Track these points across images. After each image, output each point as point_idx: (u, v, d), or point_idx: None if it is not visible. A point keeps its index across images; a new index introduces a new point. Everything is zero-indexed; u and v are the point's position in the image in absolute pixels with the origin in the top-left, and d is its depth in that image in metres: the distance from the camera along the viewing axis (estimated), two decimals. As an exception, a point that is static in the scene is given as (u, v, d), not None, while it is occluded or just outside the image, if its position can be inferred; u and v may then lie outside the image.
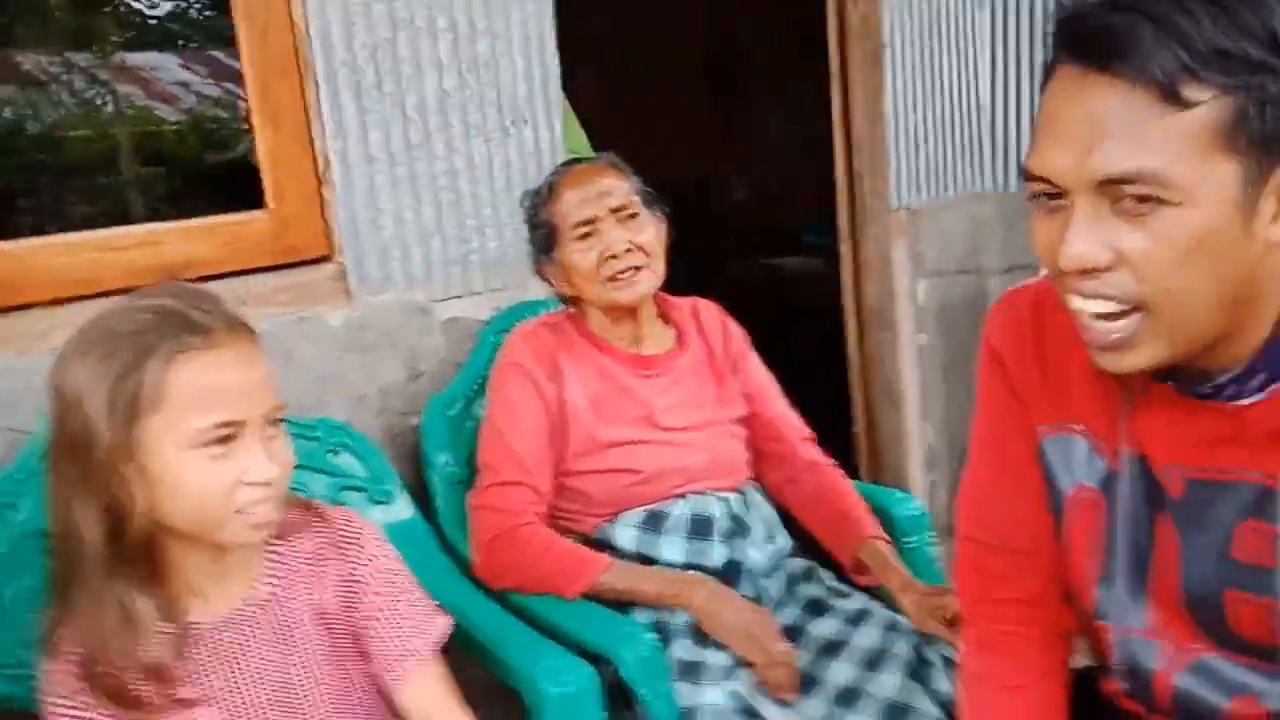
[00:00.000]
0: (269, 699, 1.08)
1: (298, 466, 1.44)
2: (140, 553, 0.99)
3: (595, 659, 1.31)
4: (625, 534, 1.51)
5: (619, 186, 1.55)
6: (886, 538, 1.56)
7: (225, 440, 0.97)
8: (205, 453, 0.96)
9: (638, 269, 1.54)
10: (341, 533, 1.16)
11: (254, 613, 1.08)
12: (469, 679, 1.26)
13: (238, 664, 1.07)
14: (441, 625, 1.18)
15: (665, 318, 1.68)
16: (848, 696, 1.35)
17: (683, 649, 1.39)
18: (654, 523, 1.51)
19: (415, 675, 1.14)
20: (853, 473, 1.83)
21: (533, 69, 1.89)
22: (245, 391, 0.99)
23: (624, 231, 1.53)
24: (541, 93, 1.90)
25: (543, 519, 1.50)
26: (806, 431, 1.72)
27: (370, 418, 1.70)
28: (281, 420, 1.04)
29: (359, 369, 1.70)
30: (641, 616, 1.44)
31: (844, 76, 2.41)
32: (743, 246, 4.67)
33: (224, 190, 1.58)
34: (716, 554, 1.49)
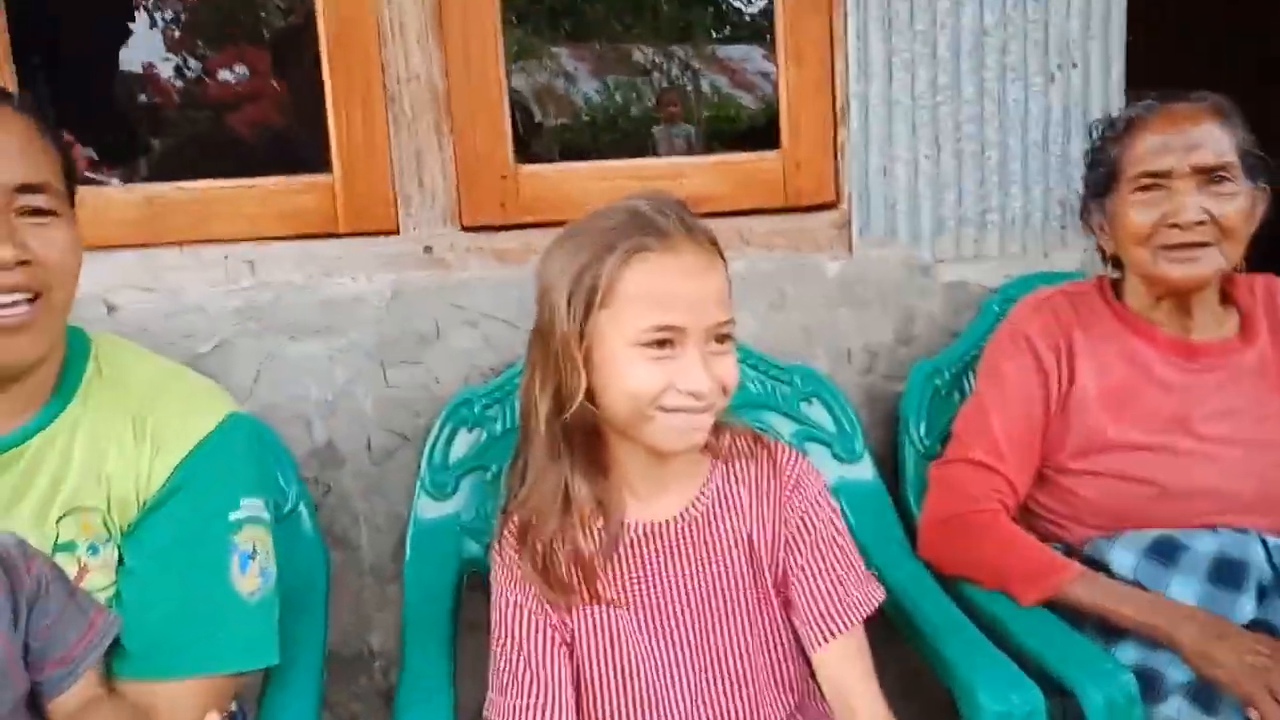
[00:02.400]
0: (686, 615, 1.07)
1: (766, 408, 1.46)
2: (584, 440, 1.04)
3: (1051, 687, 1.10)
4: (1124, 558, 1.25)
5: (1217, 141, 1.24)
6: None
7: (664, 344, 0.97)
8: (645, 352, 0.97)
9: (1203, 245, 1.24)
10: (788, 474, 1.10)
11: (685, 526, 1.08)
12: (896, 661, 1.14)
13: (661, 573, 1.07)
14: (872, 596, 1.08)
15: (1228, 299, 1.35)
16: None
17: (1177, 708, 1.12)
18: (1167, 552, 1.23)
19: (834, 640, 1.05)
20: None
21: (1091, 2, 1.63)
22: (692, 300, 0.97)
23: (1202, 198, 1.24)
24: (1101, 31, 1.64)
25: (1009, 513, 1.30)
26: None
27: (851, 375, 1.63)
28: (730, 337, 1.01)
29: (848, 323, 1.63)
30: (1126, 655, 1.18)
31: None
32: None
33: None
34: (1243, 610, 1.17)
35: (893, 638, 1.22)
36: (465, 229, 1.53)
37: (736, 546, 1.09)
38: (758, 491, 1.10)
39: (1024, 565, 1.24)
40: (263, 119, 3.58)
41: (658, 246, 0.98)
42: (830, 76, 1.61)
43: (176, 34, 4.54)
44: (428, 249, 1.51)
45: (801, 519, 1.09)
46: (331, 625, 1.51)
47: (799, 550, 1.08)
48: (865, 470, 1.46)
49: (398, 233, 1.51)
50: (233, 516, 1.00)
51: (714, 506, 1.09)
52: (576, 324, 0.99)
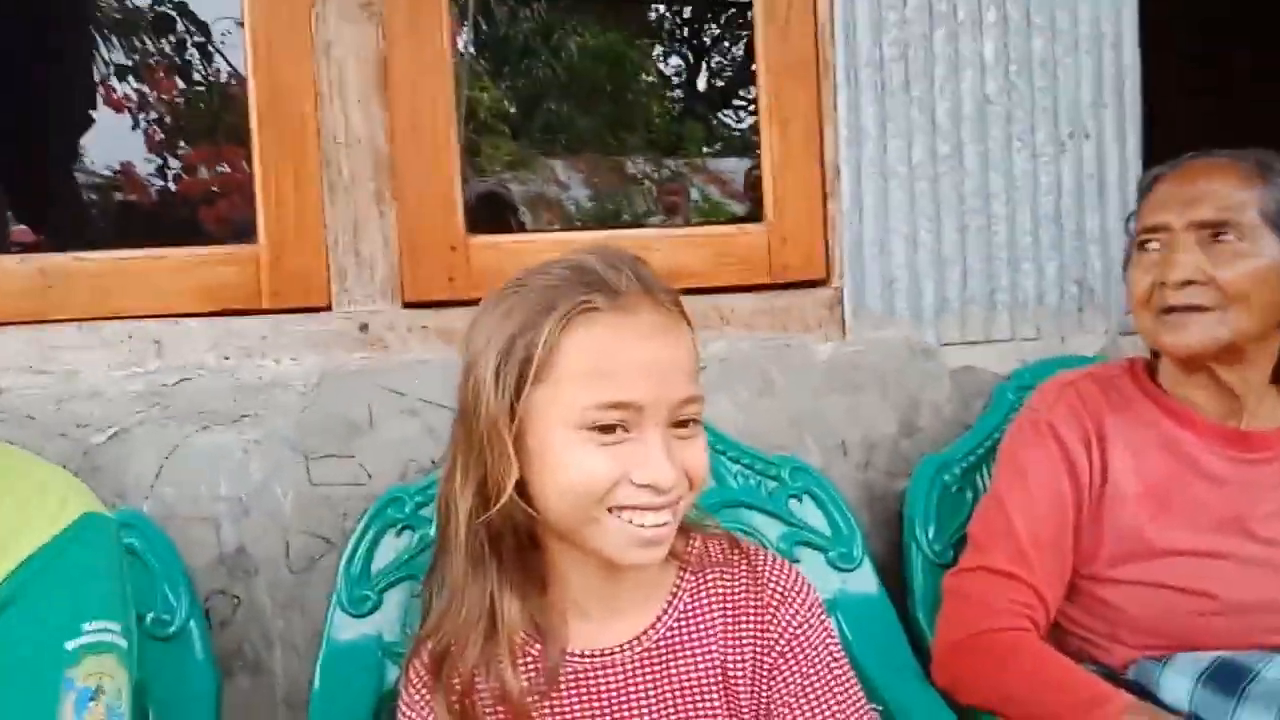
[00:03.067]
0: (642, 771, 0.85)
1: (749, 506, 1.25)
2: (516, 547, 0.83)
3: None
4: (1177, 685, 1.03)
5: (1228, 195, 1.09)
6: None
7: (617, 427, 0.78)
8: (591, 437, 0.78)
9: (1197, 309, 1.08)
10: (772, 586, 0.90)
11: (644, 655, 0.86)
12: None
13: (612, 715, 0.85)
14: (876, 739, 0.86)
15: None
16: None
17: None
18: (1228, 679, 1.01)
19: (829, 797, 0.83)
20: None
21: (1103, 70, 1.50)
22: (650, 371, 0.79)
23: (1199, 256, 1.08)
24: (1114, 98, 1.51)
25: (1039, 630, 1.09)
26: None
27: (847, 470, 1.43)
28: (696, 420, 0.82)
29: (843, 413, 1.44)
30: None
31: None
32: None
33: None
34: None
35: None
36: (407, 305, 1.35)
37: (708, 679, 0.87)
38: (734, 609, 0.89)
39: (1060, 696, 1.02)
40: (234, 212, 3.48)
41: (607, 306, 0.80)
42: (819, 143, 1.46)
43: (158, 135, 4.48)
44: (364, 327, 1.33)
45: (789, 644, 0.88)
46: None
47: (785, 684, 0.87)
48: (866, 580, 1.24)
49: (330, 309, 1.34)
50: (71, 645, 0.78)
51: (680, 629, 0.88)
52: (506, 401, 0.80)
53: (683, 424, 0.81)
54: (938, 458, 1.36)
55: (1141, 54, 1.52)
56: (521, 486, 0.81)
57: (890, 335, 1.46)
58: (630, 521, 0.78)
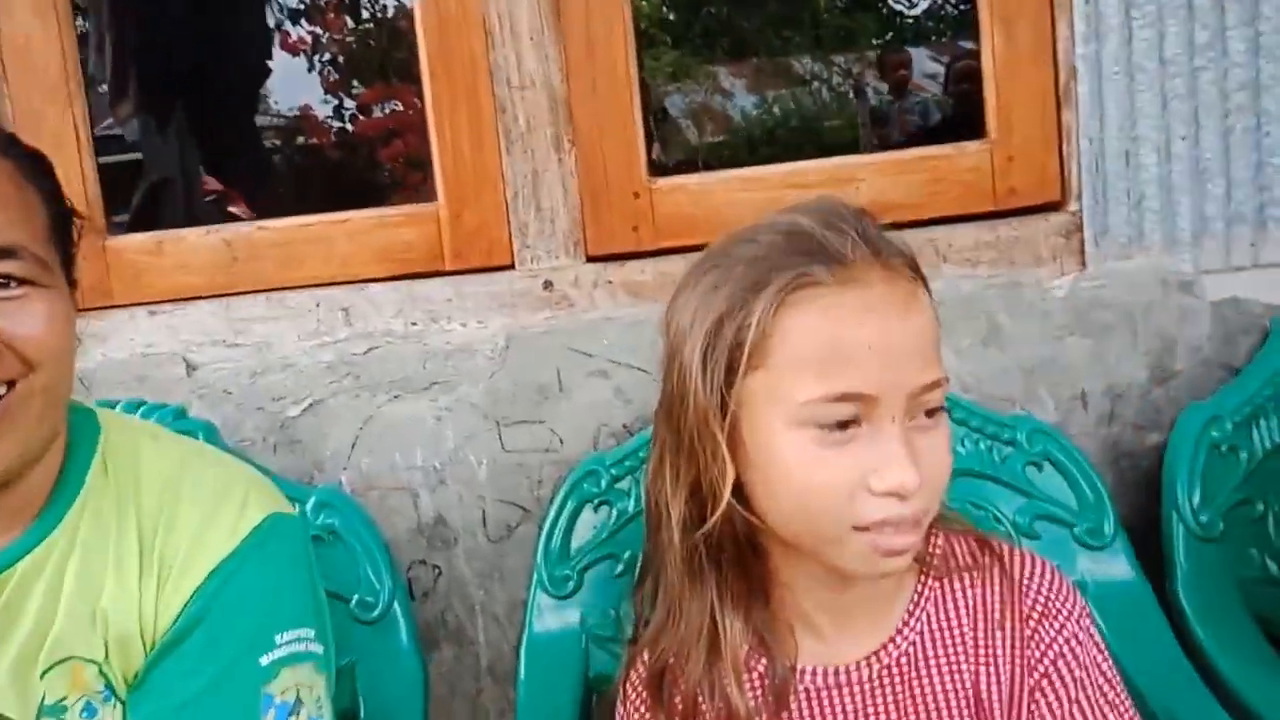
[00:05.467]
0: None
1: (983, 476, 1.11)
2: (736, 556, 0.74)
3: None
4: None
5: None
6: None
7: (848, 423, 0.66)
8: (819, 435, 0.67)
9: None
10: (1033, 596, 0.78)
11: (883, 672, 0.76)
12: None
13: (852, 743, 0.76)
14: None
15: None
16: None
17: None
18: None
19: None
20: None
21: None
22: (886, 355, 0.66)
23: None
24: None
25: None
26: None
27: (1089, 426, 1.25)
28: (941, 408, 0.69)
29: (1083, 358, 1.26)
30: None
31: None
32: None
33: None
34: None
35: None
36: (591, 259, 1.27)
37: (959, 701, 0.76)
38: (986, 620, 0.77)
39: None
40: (411, 150, 3.51)
41: (831, 279, 0.68)
42: (1051, 42, 1.26)
43: (333, 76, 4.55)
44: (548, 284, 1.26)
45: (1054, 663, 0.75)
46: (445, 737, 1.28)
47: (1050, 709, 0.75)
48: (1120, 563, 1.08)
49: (513, 267, 1.27)
50: (265, 659, 0.75)
51: (924, 644, 0.77)
52: (717, 393, 0.69)
53: (926, 415, 0.68)
54: (1204, 408, 1.17)
55: None
56: (737, 487, 0.72)
57: (1139, 265, 1.26)
58: (874, 536, 0.67)
